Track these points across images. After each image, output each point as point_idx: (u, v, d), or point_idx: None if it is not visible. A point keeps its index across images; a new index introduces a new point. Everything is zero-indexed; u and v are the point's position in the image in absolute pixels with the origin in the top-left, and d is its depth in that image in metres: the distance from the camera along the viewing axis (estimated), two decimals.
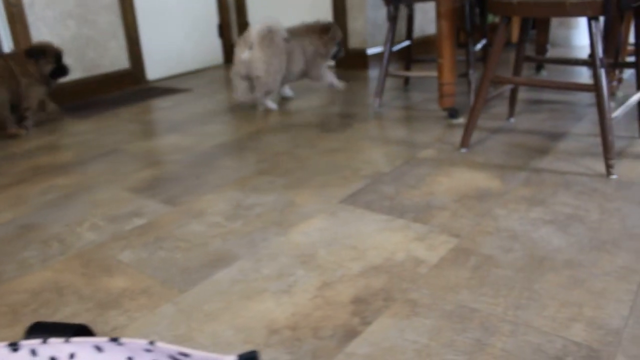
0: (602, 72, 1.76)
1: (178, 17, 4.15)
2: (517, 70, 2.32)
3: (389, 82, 3.48)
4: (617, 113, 1.86)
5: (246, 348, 1.09)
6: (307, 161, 2.10)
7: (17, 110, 2.87)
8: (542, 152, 2.04)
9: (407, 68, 3.25)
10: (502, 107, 2.70)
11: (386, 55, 2.77)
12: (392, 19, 2.77)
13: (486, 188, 1.74)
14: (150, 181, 2.02)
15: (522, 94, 2.94)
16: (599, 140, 2.13)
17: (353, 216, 1.61)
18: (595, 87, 1.78)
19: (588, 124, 2.36)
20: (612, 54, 2.59)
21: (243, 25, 4.51)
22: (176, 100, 3.38)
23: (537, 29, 3.41)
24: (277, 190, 1.83)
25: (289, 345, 1.09)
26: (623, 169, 1.86)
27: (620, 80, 2.76)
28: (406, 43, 3.16)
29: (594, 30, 1.76)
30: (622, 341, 1.04)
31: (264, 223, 1.61)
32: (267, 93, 2.86)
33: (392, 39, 2.75)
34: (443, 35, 2.36)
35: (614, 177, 1.78)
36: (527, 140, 2.18)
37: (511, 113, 2.47)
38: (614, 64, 2.34)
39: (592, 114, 2.50)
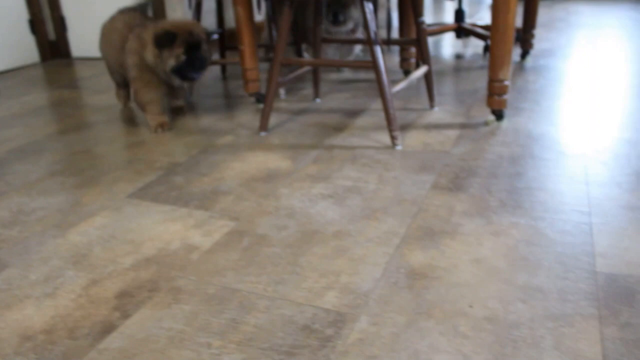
0: (377, 49, 1.84)
1: None
2: (315, 52, 2.36)
3: (209, 72, 3.43)
4: (399, 87, 1.95)
5: None
6: (103, 158, 2.01)
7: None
8: (339, 129, 2.10)
9: (222, 57, 3.22)
10: (312, 89, 2.75)
11: None
12: (197, 6, 2.72)
13: (276, 169, 1.76)
14: None
15: (334, 75, 3.01)
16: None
17: (137, 210, 1.56)
18: (373, 64, 1.85)
19: None
20: (407, 32, 2.72)
21: (58, 19, 4.25)
22: None
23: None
24: (66, 191, 1.74)
25: (40, 350, 1.02)
26: (409, 139, 1.96)
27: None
28: (217, 32, 3.12)
29: (365, 9, 1.83)
30: (369, 302, 1.09)
31: (43, 226, 1.52)
32: None
33: None
34: (240, 22, 2.35)
35: (398, 147, 1.87)
36: (327, 119, 2.24)
37: (316, 94, 2.52)
38: (400, 41, 2.46)
39: None
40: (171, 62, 2.12)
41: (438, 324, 1.03)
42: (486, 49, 3.40)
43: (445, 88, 2.63)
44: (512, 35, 1.94)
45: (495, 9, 1.91)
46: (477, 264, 1.20)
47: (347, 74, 3.05)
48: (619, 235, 1.30)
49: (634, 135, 1.89)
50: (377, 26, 1.88)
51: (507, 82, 1.98)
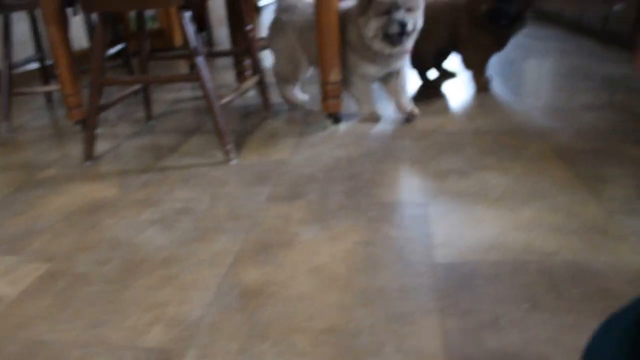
0: (201, 60, 1.73)
1: None
2: (142, 69, 2.22)
3: (38, 101, 3.14)
4: (228, 99, 1.86)
5: None
6: None
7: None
8: (173, 150, 1.97)
9: (47, 83, 2.96)
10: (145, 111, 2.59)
11: (5, 73, 2.46)
12: (4, 29, 2.47)
13: (101, 199, 1.59)
14: None
15: (171, 95, 2.87)
16: (231, 128, 2.13)
17: None
18: (198, 77, 1.74)
19: None
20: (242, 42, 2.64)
21: None
22: None
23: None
24: None
25: None
26: (246, 152, 1.87)
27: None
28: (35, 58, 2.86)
29: (185, 20, 1.72)
30: (198, 332, 0.97)
31: None
32: None
33: (8, 54, 2.45)
34: (54, 43, 2.14)
35: (233, 162, 1.78)
36: (161, 141, 2.09)
37: (149, 115, 2.37)
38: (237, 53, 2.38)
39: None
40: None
41: (274, 345, 0.93)
42: None
43: (280, 97, 2.58)
44: (337, 35, 1.92)
45: (318, 10, 1.88)
46: (315, 273, 1.13)
47: (186, 92, 2.92)
48: (454, 223, 1.29)
49: (458, 127, 1.94)
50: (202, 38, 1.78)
51: (339, 84, 1.96)
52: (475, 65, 2.41)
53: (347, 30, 1.99)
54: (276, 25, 2.18)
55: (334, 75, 1.92)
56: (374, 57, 1.98)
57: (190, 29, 1.71)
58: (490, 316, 0.98)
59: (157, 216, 1.45)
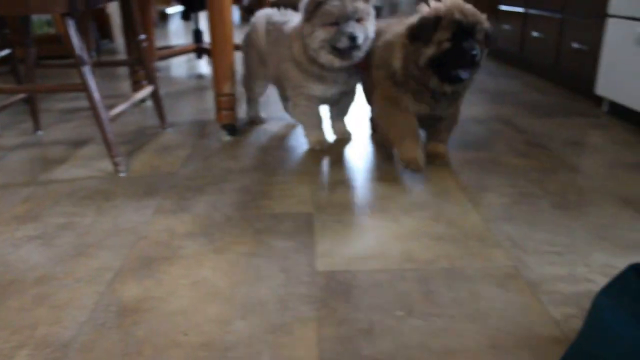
0: (87, 70, 1.68)
1: None
2: (29, 77, 2.12)
3: None
4: (117, 110, 1.81)
5: None
6: None
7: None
8: (60, 161, 1.89)
9: None
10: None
11: None
12: None
13: None
14: None
15: (63, 104, 2.75)
16: (120, 140, 2.07)
17: None
18: (84, 86, 1.69)
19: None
20: (135, 52, 2.58)
21: None
22: None
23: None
24: None
25: None
26: (137, 164, 1.82)
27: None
28: None
29: (69, 28, 1.66)
30: (68, 354, 0.94)
31: None
32: None
33: None
34: None
35: (122, 174, 1.73)
36: (48, 152, 2.01)
37: (37, 125, 2.26)
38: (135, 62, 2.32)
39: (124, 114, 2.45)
40: (429, 51, 1.54)
41: None
42: None
43: (182, 108, 2.55)
44: (231, 48, 1.91)
45: (211, 23, 1.87)
46: (196, 287, 1.12)
47: (81, 101, 2.81)
48: (338, 233, 1.32)
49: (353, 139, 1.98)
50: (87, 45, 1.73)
51: (233, 96, 1.95)
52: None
53: (292, 46, 1.82)
54: (245, 41, 2.10)
55: (228, 88, 1.91)
56: (321, 73, 1.80)
57: (75, 37, 1.66)
58: (366, 324, 1.00)
59: (36, 232, 1.39)
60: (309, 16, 1.70)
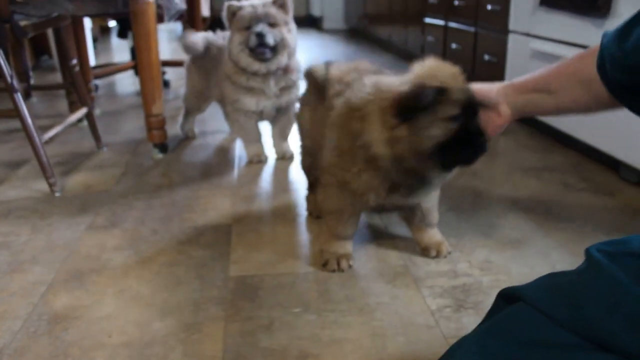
0: (18, 97, 1.79)
1: None
2: None
3: None
4: (51, 133, 1.93)
5: None
6: None
7: None
8: None
9: None
10: None
11: None
12: None
13: None
14: None
15: (1, 125, 2.81)
16: (57, 160, 2.17)
17: None
18: (16, 112, 1.80)
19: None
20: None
21: None
22: None
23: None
24: None
25: None
26: (72, 183, 1.94)
27: (91, 99, 2.89)
28: None
29: None
30: (2, 358, 1.06)
31: None
32: None
33: None
34: None
35: (57, 194, 1.84)
36: None
37: None
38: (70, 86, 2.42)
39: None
40: (435, 134, 1.11)
41: None
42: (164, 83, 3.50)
43: (120, 126, 2.66)
44: (158, 72, 2.05)
45: (138, 49, 2.01)
46: (121, 295, 1.26)
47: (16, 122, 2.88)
48: (252, 242, 1.47)
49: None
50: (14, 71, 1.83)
51: (162, 116, 2.09)
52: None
53: (225, 63, 1.99)
54: (188, 64, 2.28)
55: (156, 108, 2.05)
56: (248, 83, 1.94)
57: (5, 66, 1.77)
58: (267, 320, 1.16)
59: None
60: (229, 24, 1.92)
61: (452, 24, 3.24)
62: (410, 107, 1.09)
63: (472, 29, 2.93)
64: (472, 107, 1.12)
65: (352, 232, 1.37)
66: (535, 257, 1.38)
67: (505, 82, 1.01)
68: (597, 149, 1.93)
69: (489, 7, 2.67)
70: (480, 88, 1.09)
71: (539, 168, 1.97)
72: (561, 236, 1.48)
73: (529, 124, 2.43)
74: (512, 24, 2.43)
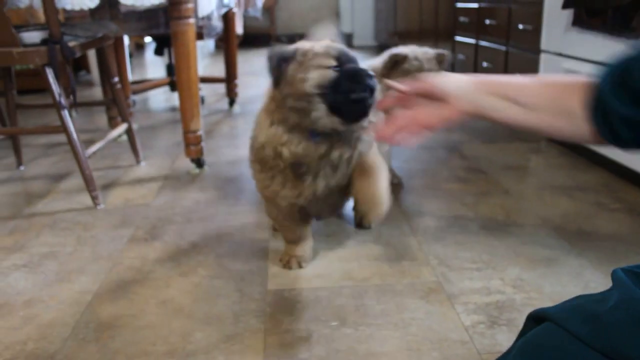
0: (65, 114, 1.87)
1: None
2: (11, 120, 2.30)
3: None
4: (94, 148, 2.00)
5: None
6: None
7: None
8: (42, 195, 2.07)
9: None
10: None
11: None
12: None
13: None
14: None
15: (45, 139, 2.91)
16: (98, 174, 2.25)
17: None
18: (63, 128, 1.88)
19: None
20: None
21: None
22: None
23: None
24: None
25: None
26: (112, 197, 2.01)
27: (130, 115, 2.97)
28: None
29: (48, 76, 1.85)
30: None
31: None
32: None
33: None
34: None
35: (100, 207, 1.91)
36: (30, 187, 2.19)
37: (19, 161, 2.44)
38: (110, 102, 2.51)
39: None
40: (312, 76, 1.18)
41: None
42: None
43: (156, 142, 2.74)
44: (197, 89, 2.12)
45: (178, 67, 2.08)
46: (163, 305, 1.31)
47: (61, 136, 2.98)
48: None
49: None
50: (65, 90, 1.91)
51: (200, 132, 2.15)
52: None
53: None
54: None
55: (194, 125, 2.11)
56: None
57: (54, 84, 1.85)
58: (305, 333, 1.20)
59: (22, 261, 1.57)
60: (387, 71, 1.86)
61: (483, 43, 3.27)
62: (272, 72, 1.20)
63: (503, 48, 2.96)
64: (348, 61, 1.20)
65: (301, 236, 1.47)
66: (568, 275, 1.40)
67: (478, 76, 0.96)
68: (631, 169, 1.94)
69: (520, 26, 2.70)
70: (441, 77, 1.02)
71: (570, 187, 1.98)
72: (594, 255, 1.49)
73: (559, 142, 2.44)
74: (544, 44, 2.45)
